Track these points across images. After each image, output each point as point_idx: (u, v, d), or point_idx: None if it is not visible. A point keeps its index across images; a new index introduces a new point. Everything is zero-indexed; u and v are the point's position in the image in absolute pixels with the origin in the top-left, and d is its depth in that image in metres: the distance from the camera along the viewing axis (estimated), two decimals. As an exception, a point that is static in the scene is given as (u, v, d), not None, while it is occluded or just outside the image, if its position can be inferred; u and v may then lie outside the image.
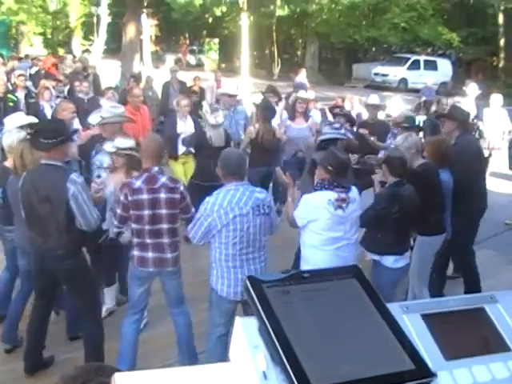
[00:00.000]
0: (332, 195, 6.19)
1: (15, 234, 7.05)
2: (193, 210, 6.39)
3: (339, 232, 6.24)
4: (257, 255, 5.99)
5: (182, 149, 10.99)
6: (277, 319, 1.55)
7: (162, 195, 6.10)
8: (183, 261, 6.64)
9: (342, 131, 9.28)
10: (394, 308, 1.74)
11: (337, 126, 9.45)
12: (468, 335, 1.80)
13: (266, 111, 11.06)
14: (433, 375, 1.56)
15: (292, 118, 12.04)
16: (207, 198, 5.88)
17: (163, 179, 6.17)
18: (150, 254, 6.20)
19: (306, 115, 12.04)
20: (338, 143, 8.87)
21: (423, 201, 6.87)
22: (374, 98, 12.96)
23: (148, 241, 6.17)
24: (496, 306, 1.90)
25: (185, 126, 11.09)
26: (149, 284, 6.43)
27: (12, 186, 6.78)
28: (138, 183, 6.09)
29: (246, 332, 1.58)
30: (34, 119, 8.54)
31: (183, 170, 11.04)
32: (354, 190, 6.45)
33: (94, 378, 2.02)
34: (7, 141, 7.22)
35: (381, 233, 6.86)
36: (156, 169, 6.20)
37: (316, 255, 6.27)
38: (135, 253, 6.26)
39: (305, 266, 6.33)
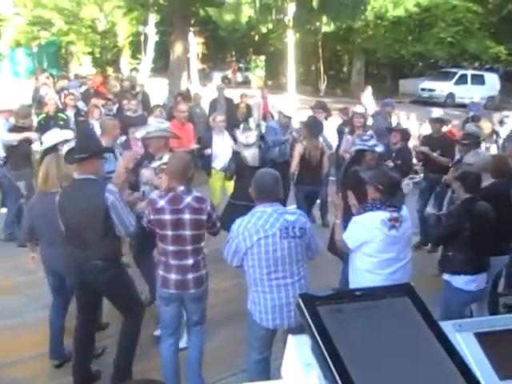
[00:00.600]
0: (384, 215, 6.07)
1: (42, 252, 7.12)
2: (218, 224, 6.31)
3: (392, 253, 6.09)
4: (290, 281, 5.61)
5: (218, 165, 11.06)
6: (329, 337, 1.55)
7: (187, 216, 5.89)
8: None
9: (371, 143, 9.18)
10: (446, 326, 1.73)
11: (365, 137, 9.38)
12: (522, 354, 1.78)
13: (312, 128, 11.04)
14: (487, 395, 1.55)
15: (351, 132, 12.04)
16: (237, 220, 5.74)
17: (188, 199, 5.94)
18: (173, 276, 6.03)
19: (365, 129, 12.00)
20: (367, 155, 8.81)
21: (498, 218, 6.74)
22: (437, 112, 12.83)
23: (172, 262, 6.01)
24: (551, 324, 1.88)
25: (222, 142, 11.17)
26: (177, 304, 6.21)
27: (37, 204, 6.93)
28: (161, 203, 5.93)
29: (298, 350, 1.59)
30: (69, 134, 8.85)
31: (223, 186, 11.06)
32: (405, 209, 6.33)
33: None
34: None
35: (452, 251, 6.75)
36: (181, 188, 5.98)
37: (367, 279, 6.07)
38: (160, 272, 6.15)
39: None
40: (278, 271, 5.56)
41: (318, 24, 36.58)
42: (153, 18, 38.50)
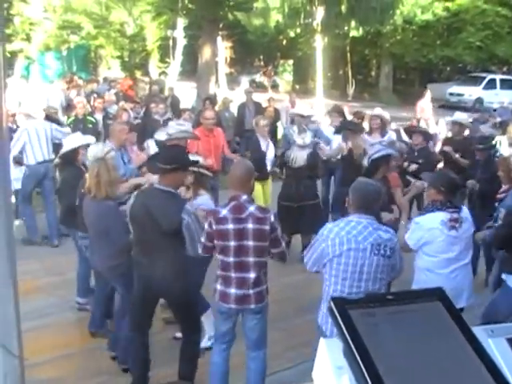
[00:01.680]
0: (444, 216, 6.16)
1: (92, 258, 7.21)
2: (283, 244, 6.03)
3: (453, 253, 6.21)
4: None
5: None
6: (361, 341, 1.55)
7: (250, 225, 5.66)
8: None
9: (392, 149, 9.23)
10: (479, 332, 1.73)
11: (384, 143, 9.45)
12: (555, 360, 1.76)
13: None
14: (520, 401, 1.54)
15: (369, 133, 12.07)
16: (327, 224, 5.61)
17: (251, 208, 5.73)
18: (233, 290, 5.83)
19: (382, 131, 12.02)
20: (391, 159, 8.82)
21: None
22: (459, 115, 12.86)
23: (233, 275, 5.80)
24: None
25: (266, 147, 11.26)
26: (235, 318, 6.06)
27: (89, 209, 6.91)
28: (223, 212, 5.71)
29: (330, 353, 1.59)
30: (91, 139, 8.86)
31: (262, 189, 11.10)
32: (465, 210, 6.46)
33: None
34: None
35: (508, 251, 6.82)
36: (244, 197, 5.78)
37: (430, 278, 6.17)
38: (218, 286, 5.93)
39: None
40: (360, 287, 5.36)
41: (346, 28, 36.52)
42: (181, 22, 38.59)
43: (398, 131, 14.63)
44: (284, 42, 49.23)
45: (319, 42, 29.96)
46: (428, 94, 20.50)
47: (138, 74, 43.85)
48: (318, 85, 29.47)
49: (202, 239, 5.89)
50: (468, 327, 1.69)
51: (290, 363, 7.05)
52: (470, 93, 39.65)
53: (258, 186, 11.15)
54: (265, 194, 11.12)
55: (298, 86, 48.23)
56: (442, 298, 1.75)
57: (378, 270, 5.37)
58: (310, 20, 30.50)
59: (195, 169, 7.26)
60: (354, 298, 1.68)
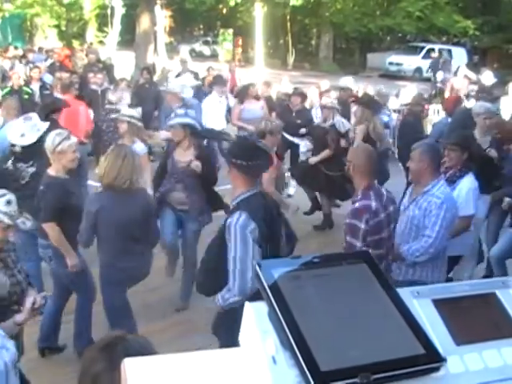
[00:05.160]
0: None
1: (100, 256, 6.60)
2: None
3: None
4: None
5: None
6: (286, 304, 1.55)
7: (391, 208, 5.71)
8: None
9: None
10: (404, 293, 1.74)
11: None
12: (479, 320, 1.79)
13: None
14: (443, 360, 1.55)
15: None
16: None
17: (356, 204, 5.61)
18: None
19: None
20: None
21: None
22: (346, 81, 13.21)
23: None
24: (508, 291, 1.89)
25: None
26: None
27: (107, 204, 6.28)
28: (373, 204, 5.53)
29: (255, 317, 1.58)
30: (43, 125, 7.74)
31: None
32: None
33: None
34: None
35: None
36: (376, 183, 5.81)
37: None
38: None
39: None
40: None
41: (286, -3, 36.56)
42: (120, -10, 38.15)
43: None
44: (224, 10, 48.94)
45: (259, 11, 29.86)
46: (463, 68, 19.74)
47: (76, 43, 43.14)
48: (258, 54, 29.40)
49: (358, 244, 5.38)
50: (393, 288, 1.70)
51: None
52: (410, 62, 40.11)
53: None
54: None
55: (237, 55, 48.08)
56: (367, 260, 1.76)
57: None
58: (250, -12, 30.41)
59: (127, 119, 7.56)
60: (279, 260, 1.68)
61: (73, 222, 6.27)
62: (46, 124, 7.74)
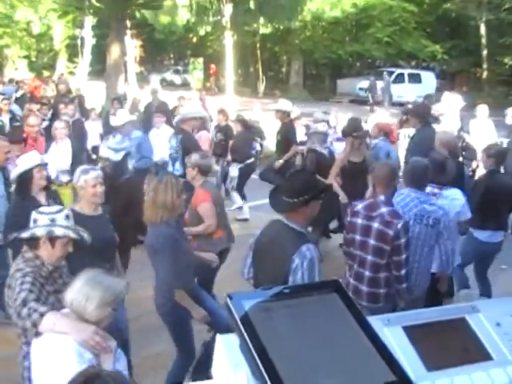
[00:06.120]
0: None
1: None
2: (403, 256, 5.84)
3: None
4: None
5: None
6: (257, 336, 1.55)
7: (375, 225, 5.83)
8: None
9: None
10: (374, 321, 1.75)
11: None
12: (450, 345, 1.80)
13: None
14: (414, 386, 1.57)
15: None
16: None
17: (383, 209, 5.86)
18: (351, 281, 6.03)
19: None
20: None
21: None
22: (282, 104, 13.26)
23: (355, 267, 6.03)
24: (477, 315, 1.91)
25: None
26: None
27: (166, 235, 5.84)
28: (359, 206, 6.09)
29: (226, 349, 1.58)
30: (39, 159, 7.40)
31: None
32: None
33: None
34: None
35: None
36: (381, 197, 6.02)
37: None
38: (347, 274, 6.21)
39: None
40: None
41: (255, 25, 36.74)
42: (89, 20, 38.07)
43: (307, 127, 14.82)
44: (194, 39, 49.13)
45: (229, 40, 30.00)
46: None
47: (47, 74, 43.03)
48: (228, 82, 29.50)
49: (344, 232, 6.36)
50: (363, 317, 1.71)
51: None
52: (380, 87, 40.39)
53: None
54: None
55: (208, 84, 48.18)
56: (338, 289, 1.77)
57: (420, 237, 6.22)
58: (219, 17, 30.56)
59: None
60: (249, 292, 1.68)
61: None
62: None
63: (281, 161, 12.21)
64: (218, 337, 1.61)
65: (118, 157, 11.49)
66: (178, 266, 5.72)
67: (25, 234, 4.57)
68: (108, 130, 13.68)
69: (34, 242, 4.56)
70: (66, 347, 3.60)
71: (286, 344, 1.58)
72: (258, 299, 1.67)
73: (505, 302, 2.11)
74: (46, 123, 14.05)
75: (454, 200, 7.02)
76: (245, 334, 1.55)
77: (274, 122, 14.45)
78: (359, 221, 5.94)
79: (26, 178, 7.15)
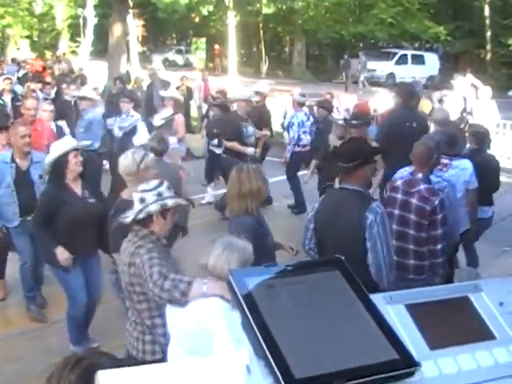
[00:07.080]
0: None
1: None
2: (439, 231, 6.03)
3: None
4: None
5: None
6: (259, 313, 1.54)
7: (414, 200, 6.05)
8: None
9: None
10: (377, 299, 1.74)
11: None
12: (453, 324, 1.79)
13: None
14: (417, 364, 1.56)
15: None
16: None
17: (422, 186, 6.08)
18: (395, 257, 5.75)
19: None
20: None
21: None
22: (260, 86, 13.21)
23: (394, 243, 5.87)
24: (480, 294, 1.90)
25: None
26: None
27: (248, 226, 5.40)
28: (398, 182, 6.31)
29: (229, 326, 1.58)
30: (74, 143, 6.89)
31: None
32: None
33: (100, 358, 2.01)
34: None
35: None
36: (420, 175, 6.19)
37: None
38: None
39: None
40: None
41: (258, 5, 36.60)
42: (91, 0, 37.98)
43: (311, 108, 14.76)
44: (196, 19, 48.85)
45: (232, 20, 29.89)
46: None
47: (48, 54, 42.90)
48: (231, 62, 29.43)
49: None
50: (366, 294, 1.71)
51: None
52: (383, 68, 40.27)
53: None
54: None
55: (211, 64, 48.05)
56: (340, 267, 1.76)
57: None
58: (222, -3, 30.44)
59: None
60: (251, 269, 1.67)
61: None
62: None
63: (258, 150, 11.50)
64: (220, 314, 1.61)
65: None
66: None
67: (141, 215, 4.60)
68: (110, 110, 13.63)
69: (147, 219, 4.64)
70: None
71: (288, 321, 1.57)
72: (260, 276, 1.66)
73: (508, 281, 2.10)
74: (48, 102, 14.02)
75: (463, 170, 7.33)
76: (247, 311, 1.55)
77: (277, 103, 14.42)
78: (399, 196, 6.16)
79: (60, 163, 6.50)
